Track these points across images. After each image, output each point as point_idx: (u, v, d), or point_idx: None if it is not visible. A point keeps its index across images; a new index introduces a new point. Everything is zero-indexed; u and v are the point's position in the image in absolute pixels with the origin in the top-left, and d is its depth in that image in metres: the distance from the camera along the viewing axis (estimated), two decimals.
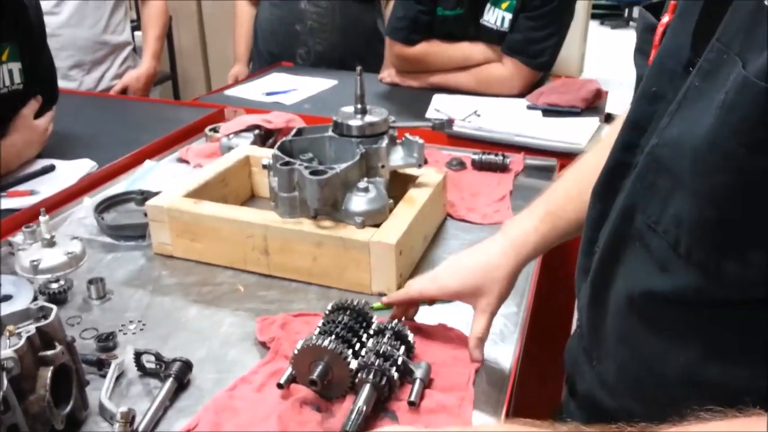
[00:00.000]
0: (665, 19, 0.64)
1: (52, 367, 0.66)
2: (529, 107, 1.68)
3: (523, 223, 0.84)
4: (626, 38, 7.40)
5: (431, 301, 0.89)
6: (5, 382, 0.61)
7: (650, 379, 0.61)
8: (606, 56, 6.23)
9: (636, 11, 8.67)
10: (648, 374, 0.62)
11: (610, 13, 8.80)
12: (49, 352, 0.66)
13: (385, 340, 0.77)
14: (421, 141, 1.07)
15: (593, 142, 1.44)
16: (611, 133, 0.80)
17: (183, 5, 3.72)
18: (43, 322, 0.67)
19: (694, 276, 0.54)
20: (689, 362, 0.57)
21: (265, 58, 2.26)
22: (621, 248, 0.62)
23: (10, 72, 1.28)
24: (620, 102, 0.66)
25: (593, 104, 1.67)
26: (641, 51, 0.69)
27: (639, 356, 0.62)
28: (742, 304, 0.52)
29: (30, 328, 0.66)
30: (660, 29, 0.65)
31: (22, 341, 0.64)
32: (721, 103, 0.48)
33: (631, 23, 8.53)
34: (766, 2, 0.46)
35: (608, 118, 1.70)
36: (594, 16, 8.52)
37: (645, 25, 0.69)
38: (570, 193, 0.82)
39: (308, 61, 2.20)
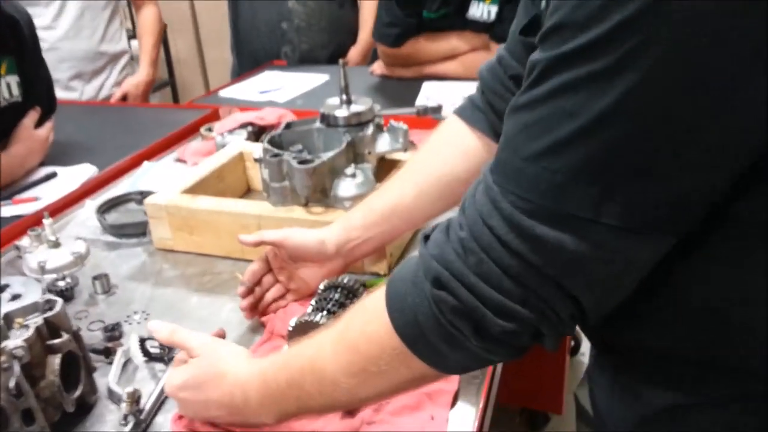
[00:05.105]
0: None
1: (60, 355, 0.70)
2: None
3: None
4: None
5: None
6: (17, 369, 0.65)
7: None
8: None
9: None
10: None
11: None
12: (56, 341, 0.71)
13: None
14: (405, 127, 1.11)
15: None
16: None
17: (177, 13, 3.77)
18: (49, 314, 0.72)
19: None
20: None
21: (246, 57, 2.30)
22: None
23: (9, 85, 1.33)
24: None
25: None
26: None
27: None
28: None
29: (38, 320, 0.70)
30: None
31: (30, 331, 0.68)
32: None
33: None
34: None
35: None
36: None
37: None
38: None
39: (293, 59, 2.24)
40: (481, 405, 0.72)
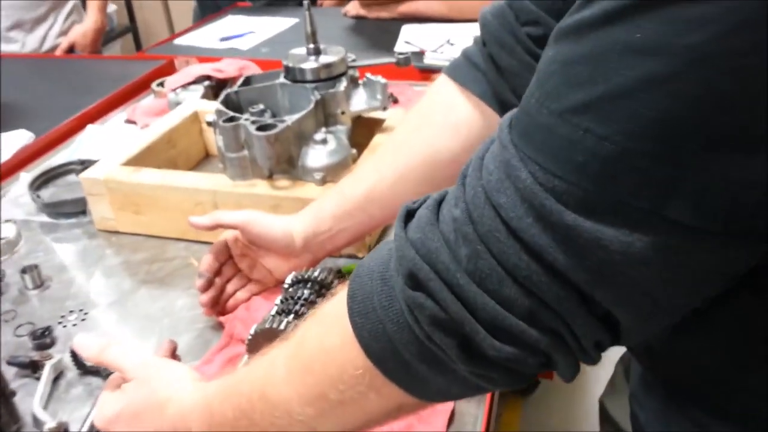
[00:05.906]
0: None
1: None
2: None
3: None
4: None
5: None
6: None
7: None
8: None
9: None
10: None
11: None
12: None
13: None
14: (384, 81, 0.95)
15: None
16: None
17: None
18: None
19: None
20: None
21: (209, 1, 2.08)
22: None
23: None
24: None
25: None
26: None
27: None
28: None
29: None
30: None
31: None
32: None
33: None
34: None
35: None
36: None
37: None
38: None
39: (257, 0, 2.03)
40: (481, 427, 0.60)
